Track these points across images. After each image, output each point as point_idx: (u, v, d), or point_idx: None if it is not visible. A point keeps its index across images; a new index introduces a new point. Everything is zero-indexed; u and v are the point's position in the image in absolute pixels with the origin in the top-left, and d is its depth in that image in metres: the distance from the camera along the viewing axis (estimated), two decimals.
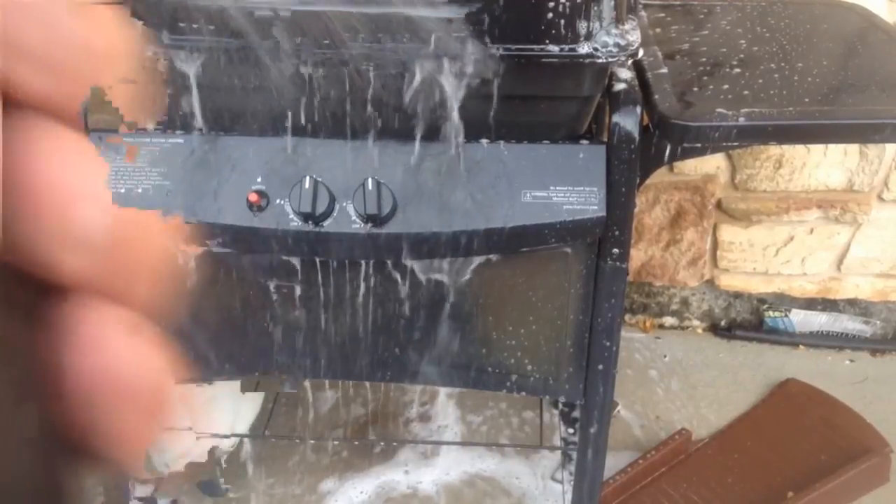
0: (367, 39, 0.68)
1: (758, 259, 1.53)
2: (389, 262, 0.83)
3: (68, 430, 0.12)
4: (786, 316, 1.60)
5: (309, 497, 1.30)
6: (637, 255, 1.54)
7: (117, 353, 0.12)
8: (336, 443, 1.38)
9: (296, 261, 0.84)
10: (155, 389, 0.12)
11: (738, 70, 0.85)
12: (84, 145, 0.12)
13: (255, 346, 0.92)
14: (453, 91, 0.70)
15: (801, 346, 1.59)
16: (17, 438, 0.11)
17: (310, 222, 0.78)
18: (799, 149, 1.38)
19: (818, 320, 1.60)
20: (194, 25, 0.67)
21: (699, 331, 1.65)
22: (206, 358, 0.92)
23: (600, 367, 0.92)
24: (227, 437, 1.22)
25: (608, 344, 0.90)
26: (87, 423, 0.12)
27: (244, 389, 1.15)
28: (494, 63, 0.69)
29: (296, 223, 0.78)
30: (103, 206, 0.11)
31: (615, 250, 0.83)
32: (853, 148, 1.38)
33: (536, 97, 0.77)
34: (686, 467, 1.33)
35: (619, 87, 0.79)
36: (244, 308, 0.90)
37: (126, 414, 0.12)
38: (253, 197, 0.77)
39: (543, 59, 0.70)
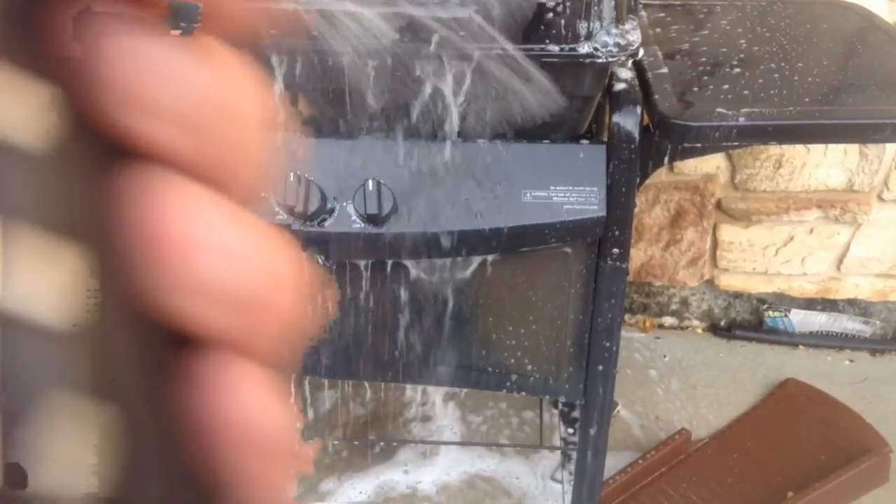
0: (374, 38, 0.68)
1: (757, 259, 1.53)
2: (389, 262, 0.83)
3: (206, 480, 0.12)
4: (785, 316, 1.60)
5: (308, 497, 1.30)
6: (637, 255, 1.54)
7: (250, 403, 0.12)
8: (336, 443, 1.38)
9: None
10: (284, 438, 0.12)
11: (738, 70, 0.85)
12: (210, 197, 0.12)
13: None
14: (454, 91, 0.70)
15: (800, 346, 1.59)
16: (160, 489, 0.11)
17: (308, 222, 0.78)
18: (799, 149, 1.38)
19: (818, 320, 1.60)
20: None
21: (699, 331, 1.65)
22: None
23: (600, 367, 0.92)
24: None
25: (608, 344, 0.90)
26: (224, 473, 0.12)
27: None
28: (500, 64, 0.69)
29: (296, 226, 0.78)
30: (231, 259, 0.12)
31: (615, 250, 0.83)
32: (853, 148, 1.38)
33: None
34: (686, 467, 1.33)
35: (619, 87, 0.79)
36: None
37: (261, 462, 0.12)
38: None
39: (543, 59, 0.70)
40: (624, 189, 0.79)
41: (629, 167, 0.79)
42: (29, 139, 0.09)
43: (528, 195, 0.78)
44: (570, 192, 0.78)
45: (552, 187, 0.78)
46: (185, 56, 0.11)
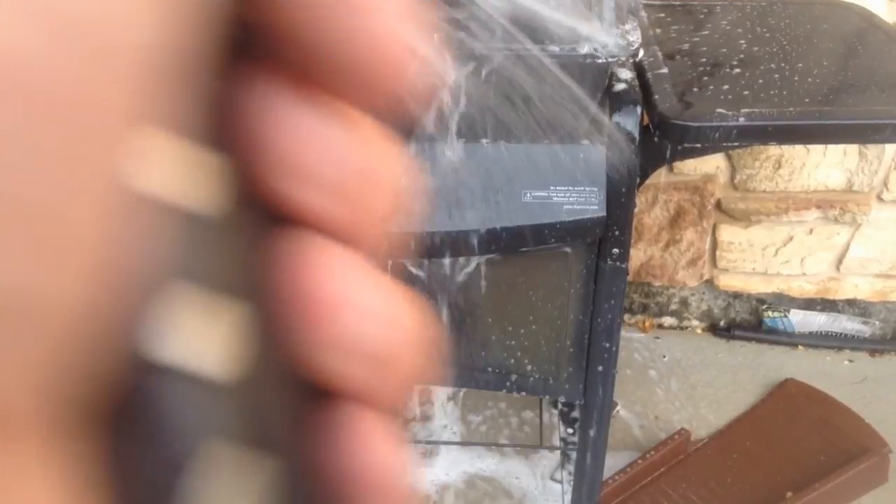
0: None
1: (757, 259, 1.53)
2: (388, 262, 0.83)
3: None
4: (785, 316, 1.60)
5: None
6: (636, 255, 1.54)
7: (380, 453, 0.13)
8: None
9: None
10: (406, 485, 0.13)
11: (738, 70, 0.85)
12: (354, 259, 0.13)
13: None
14: (455, 91, 0.70)
15: (800, 347, 1.59)
16: None
17: None
18: (798, 149, 1.38)
19: (817, 320, 1.60)
20: None
21: (698, 331, 1.65)
22: None
23: (600, 367, 0.92)
24: None
25: (608, 344, 0.90)
26: None
27: None
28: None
29: None
30: (372, 317, 0.13)
31: (615, 250, 0.83)
32: (852, 148, 1.38)
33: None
34: (685, 467, 1.34)
35: (619, 87, 0.79)
36: None
37: None
38: None
39: (544, 59, 0.70)
40: (624, 189, 0.79)
41: (629, 167, 0.79)
42: (197, 203, 0.10)
43: (528, 195, 0.78)
44: (570, 192, 0.78)
45: (552, 187, 0.78)
46: (337, 127, 0.12)
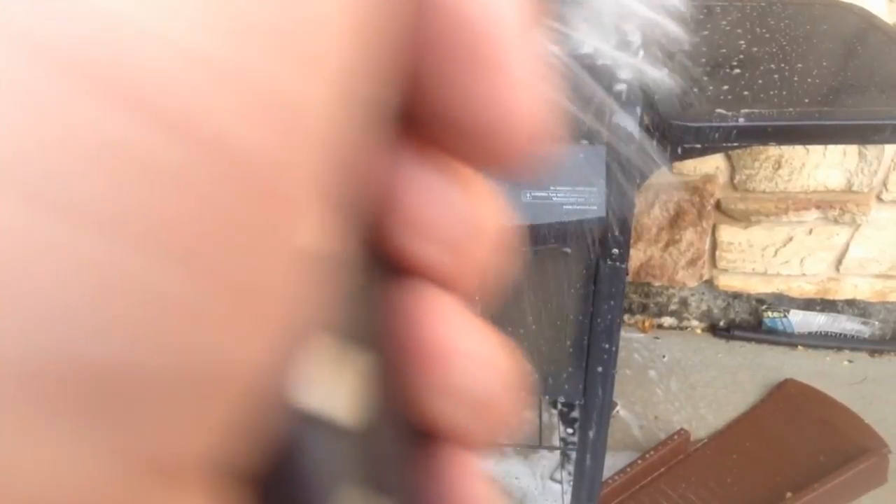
0: None
1: (756, 259, 1.53)
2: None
3: None
4: (784, 316, 1.60)
5: None
6: (636, 256, 1.54)
7: (477, 492, 0.14)
8: None
9: None
10: None
11: (738, 70, 0.85)
12: (463, 309, 0.14)
13: None
14: None
15: (799, 347, 1.59)
16: None
17: None
18: (798, 149, 1.38)
19: (817, 321, 1.60)
20: None
21: (698, 331, 1.65)
22: None
23: (599, 367, 0.92)
24: None
25: (607, 344, 0.90)
26: None
27: None
28: None
29: None
30: (479, 364, 0.13)
31: (615, 250, 0.83)
32: (852, 149, 1.38)
33: None
34: (685, 468, 1.34)
35: (619, 87, 0.79)
36: None
37: None
38: None
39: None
40: (624, 189, 0.79)
41: (629, 167, 0.79)
42: (335, 256, 0.11)
43: (528, 195, 0.78)
44: (570, 192, 0.78)
45: (552, 187, 0.78)
46: (455, 186, 0.13)
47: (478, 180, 0.13)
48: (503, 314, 0.93)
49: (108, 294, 0.07)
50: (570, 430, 1.30)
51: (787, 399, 1.46)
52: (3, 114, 0.07)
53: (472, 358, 0.13)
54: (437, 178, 0.13)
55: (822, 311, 1.60)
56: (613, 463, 1.31)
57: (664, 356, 1.58)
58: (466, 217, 0.13)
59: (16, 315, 0.07)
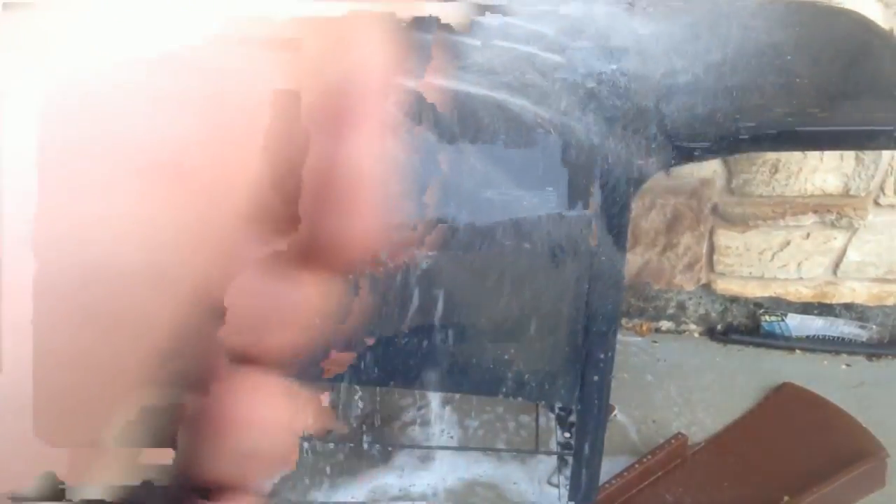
0: None
1: (754, 263, 1.53)
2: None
3: None
4: (782, 320, 1.60)
5: (302, 502, 1.30)
6: (633, 260, 1.54)
7: None
8: (331, 446, 1.37)
9: None
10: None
11: (734, 76, 0.85)
12: (281, 389, 0.16)
13: None
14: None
15: (797, 351, 1.59)
16: None
17: None
18: (795, 154, 1.38)
19: (814, 325, 1.60)
20: None
21: (696, 335, 1.65)
22: None
23: (596, 371, 0.92)
24: None
25: (604, 348, 0.90)
26: None
27: None
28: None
29: None
30: (271, 432, 0.16)
31: (611, 254, 0.83)
32: (849, 153, 1.38)
33: None
34: (682, 471, 1.33)
35: (616, 89, 0.79)
36: None
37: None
38: None
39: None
40: (620, 193, 0.79)
41: (626, 171, 0.79)
42: None
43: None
44: (565, 195, 0.78)
45: (548, 189, 0.78)
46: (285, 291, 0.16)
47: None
48: (499, 318, 0.93)
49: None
50: (567, 435, 1.30)
51: (785, 403, 1.45)
52: None
53: (260, 426, 0.15)
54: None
55: (819, 314, 1.60)
56: (611, 467, 1.30)
57: (662, 360, 1.58)
58: (283, 309, 0.15)
59: None
